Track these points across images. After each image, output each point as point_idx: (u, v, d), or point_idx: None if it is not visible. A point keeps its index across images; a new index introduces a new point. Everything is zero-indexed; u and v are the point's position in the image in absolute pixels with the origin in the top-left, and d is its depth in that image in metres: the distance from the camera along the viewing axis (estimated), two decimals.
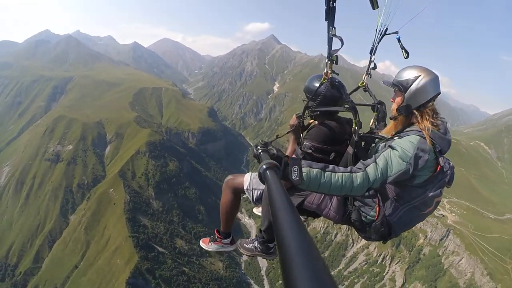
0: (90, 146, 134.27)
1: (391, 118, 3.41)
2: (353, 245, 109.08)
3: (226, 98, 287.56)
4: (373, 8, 3.37)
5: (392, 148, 2.97)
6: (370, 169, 2.87)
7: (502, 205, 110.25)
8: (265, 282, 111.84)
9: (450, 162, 3.22)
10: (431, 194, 3.16)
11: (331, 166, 2.82)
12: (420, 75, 3.10)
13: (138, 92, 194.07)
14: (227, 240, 4.75)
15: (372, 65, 3.90)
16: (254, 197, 4.16)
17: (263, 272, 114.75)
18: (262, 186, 4.05)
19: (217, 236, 4.73)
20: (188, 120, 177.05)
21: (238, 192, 4.31)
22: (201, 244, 4.98)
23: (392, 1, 3.31)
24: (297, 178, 2.54)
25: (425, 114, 3.15)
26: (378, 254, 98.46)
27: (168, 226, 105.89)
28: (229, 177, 4.43)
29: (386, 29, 3.54)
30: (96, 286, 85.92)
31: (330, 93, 3.82)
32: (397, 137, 3.15)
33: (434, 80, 3.14)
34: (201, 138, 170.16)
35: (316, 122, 4.04)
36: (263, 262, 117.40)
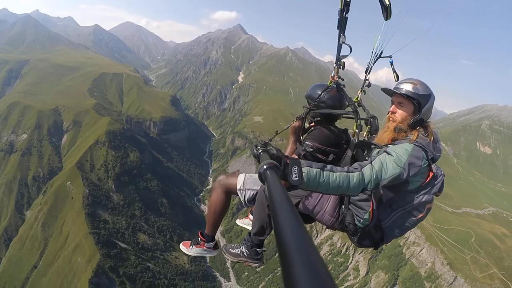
0: (46, 135, 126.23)
1: (396, 130, 3.35)
2: (317, 236, 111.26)
3: (190, 86, 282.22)
4: (385, 19, 3.51)
5: (388, 153, 3.05)
6: (366, 170, 2.93)
7: (459, 199, 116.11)
8: (231, 275, 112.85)
9: (442, 170, 3.32)
10: (423, 199, 3.25)
11: (329, 166, 2.85)
12: (431, 92, 3.29)
13: (97, 77, 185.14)
14: (211, 244, 4.60)
15: (366, 83, 4.09)
16: (246, 197, 4.16)
17: (228, 265, 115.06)
18: (256, 187, 4.12)
19: (201, 239, 4.57)
20: (150, 108, 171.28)
21: (229, 192, 4.29)
22: (182, 247, 4.80)
23: (389, 28, 3.56)
24: (297, 178, 2.57)
25: (430, 126, 3.33)
26: (342, 245, 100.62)
27: (130, 221, 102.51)
28: (222, 176, 4.42)
29: (381, 52, 3.74)
30: (57, 287, 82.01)
31: (334, 96, 4.02)
32: (391, 144, 3.24)
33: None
34: (163, 128, 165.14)
35: (315, 124, 4.18)
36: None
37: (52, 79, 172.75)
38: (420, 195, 3.26)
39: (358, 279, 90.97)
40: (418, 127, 3.30)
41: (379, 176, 2.94)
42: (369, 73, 4.00)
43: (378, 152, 3.24)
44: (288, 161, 2.58)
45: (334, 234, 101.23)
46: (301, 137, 4.20)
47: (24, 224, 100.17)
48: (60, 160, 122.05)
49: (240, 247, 4.39)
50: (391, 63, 3.80)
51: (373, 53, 3.74)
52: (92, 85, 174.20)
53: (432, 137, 3.26)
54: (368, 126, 3.84)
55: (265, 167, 2.16)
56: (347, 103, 4.05)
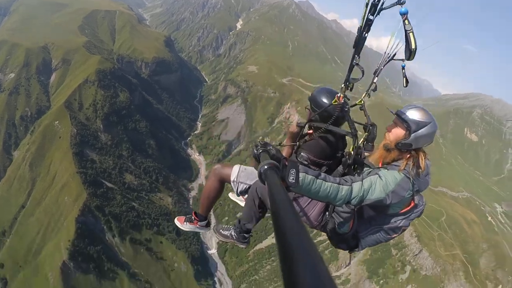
0: (34, 74, 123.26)
1: (385, 148, 3.60)
2: None
3: (185, 28, 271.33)
4: (407, 59, 3.40)
5: (379, 176, 3.26)
6: (356, 186, 3.14)
7: (437, 178, 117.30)
8: (212, 218, 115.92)
9: (424, 200, 3.65)
10: (400, 224, 3.63)
11: (323, 175, 3.04)
12: (430, 122, 3.35)
13: (89, 15, 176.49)
14: (203, 223, 5.02)
15: (373, 87, 3.93)
16: (239, 189, 4.46)
17: (211, 211, 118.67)
18: (249, 181, 4.41)
19: (194, 218, 4.97)
20: (142, 48, 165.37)
21: (223, 181, 4.58)
22: (176, 222, 5.20)
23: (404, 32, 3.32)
24: (294, 181, 2.64)
25: (421, 154, 3.44)
26: None
27: (117, 161, 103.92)
28: (217, 166, 4.71)
29: (395, 54, 3.52)
30: (44, 226, 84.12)
31: (338, 115, 3.92)
32: (384, 169, 3.40)
33: (436, 129, 3.45)
34: (155, 69, 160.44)
35: (313, 131, 4.23)
36: None
37: (42, 16, 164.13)
38: (398, 220, 3.60)
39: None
40: (409, 155, 3.43)
41: (365, 195, 3.16)
42: (377, 75, 3.86)
43: (370, 172, 3.45)
44: (286, 163, 2.66)
45: None
46: (298, 142, 4.27)
47: (12, 165, 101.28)
48: (48, 99, 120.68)
49: (230, 230, 4.81)
50: (403, 68, 3.69)
51: (386, 53, 3.61)
52: (83, 22, 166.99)
53: (422, 170, 3.40)
54: (366, 133, 3.90)
55: (265, 167, 2.24)
56: (349, 125, 4.06)
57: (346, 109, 4.00)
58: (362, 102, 4.12)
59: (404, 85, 3.75)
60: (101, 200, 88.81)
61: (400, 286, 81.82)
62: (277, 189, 1.56)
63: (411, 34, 3.21)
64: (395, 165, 3.42)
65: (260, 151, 2.69)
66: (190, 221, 5.01)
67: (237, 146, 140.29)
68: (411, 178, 3.31)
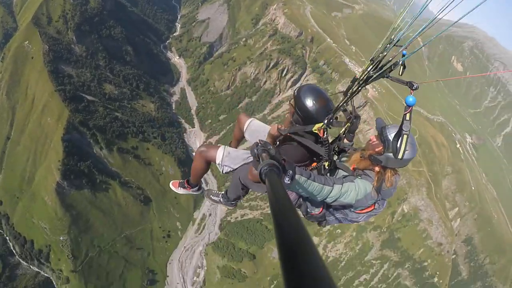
0: None
1: (360, 155, 3.74)
2: (279, 94, 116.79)
3: None
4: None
5: (355, 184, 3.55)
6: (336, 188, 3.44)
7: (417, 97, 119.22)
8: (195, 121, 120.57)
9: (384, 205, 3.91)
10: (361, 219, 4.08)
11: (313, 176, 3.29)
12: (407, 151, 3.32)
13: None
14: (195, 189, 5.63)
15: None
16: (224, 171, 4.71)
17: (193, 112, 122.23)
18: (234, 165, 4.64)
19: (186, 185, 5.59)
20: None
21: (209, 162, 4.89)
22: (171, 186, 5.71)
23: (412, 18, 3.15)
24: (289, 182, 2.81)
25: (389, 172, 3.60)
26: None
27: (95, 72, 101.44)
28: (202, 148, 4.86)
29: (398, 40, 3.26)
30: (32, 152, 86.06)
31: (321, 110, 3.92)
32: (359, 177, 3.67)
33: (412, 158, 3.48)
34: None
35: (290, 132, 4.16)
36: (192, 101, 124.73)
37: None
38: (360, 216, 3.98)
39: None
40: (378, 170, 3.59)
41: (340, 197, 3.48)
42: (376, 63, 3.38)
43: (346, 177, 3.72)
44: (284, 163, 2.73)
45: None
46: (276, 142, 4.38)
47: None
48: (14, 20, 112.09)
49: (219, 196, 5.37)
50: (404, 55, 3.26)
51: (388, 37, 3.28)
52: None
53: (389, 186, 3.64)
54: (348, 124, 3.94)
55: (266, 167, 2.31)
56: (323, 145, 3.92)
57: (330, 127, 3.89)
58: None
59: (400, 74, 3.40)
60: (84, 114, 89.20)
61: None
62: (277, 189, 1.64)
63: (405, 137, 3.28)
64: (367, 176, 3.66)
65: (260, 150, 2.75)
66: (183, 187, 5.61)
67: (219, 48, 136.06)
68: (378, 193, 3.62)
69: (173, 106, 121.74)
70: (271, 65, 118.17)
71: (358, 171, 3.76)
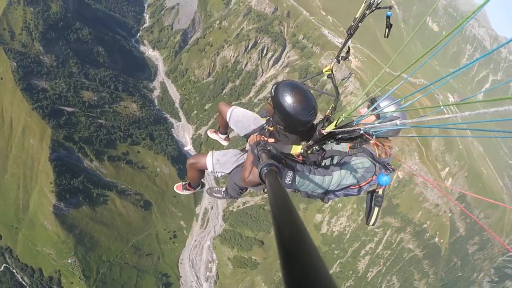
0: None
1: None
2: (262, 75, 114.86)
3: None
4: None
5: (352, 165, 3.50)
6: (336, 175, 3.38)
7: (399, 61, 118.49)
8: (181, 114, 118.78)
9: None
10: (356, 193, 3.88)
11: (313, 170, 3.27)
12: (399, 118, 3.05)
13: None
14: (198, 188, 5.80)
15: (344, 51, 3.65)
16: (219, 176, 4.83)
17: (177, 105, 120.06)
18: (226, 170, 4.63)
19: (189, 188, 5.79)
20: None
21: (202, 169, 4.94)
22: (176, 190, 5.91)
23: None
24: (290, 182, 2.79)
25: (388, 145, 3.55)
26: None
27: (69, 80, 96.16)
28: (191, 160, 4.87)
29: (380, 2, 3.18)
30: (21, 178, 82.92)
31: (298, 105, 3.35)
32: (354, 157, 3.54)
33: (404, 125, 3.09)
34: None
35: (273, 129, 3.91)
36: (175, 94, 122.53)
37: None
38: (355, 190, 3.82)
39: None
40: (374, 142, 3.46)
41: (342, 181, 3.42)
42: (354, 31, 3.50)
43: (342, 159, 3.63)
44: (284, 164, 2.78)
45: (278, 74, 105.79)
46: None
47: None
48: None
49: (221, 193, 5.51)
50: (388, 17, 3.28)
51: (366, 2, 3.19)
52: None
53: (386, 156, 3.57)
54: (333, 105, 3.96)
55: (266, 167, 2.25)
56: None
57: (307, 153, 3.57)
58: (331, 68, 4.09)
59: (385, 36, 3.39)
60: (67, 128, 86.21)
61: None
62: (277, 190, 1.62)
63: (376, 209, 3.52)
64: (364, 150, 3.53)
65: (260, 150, 2.75)
66: (186, 189, 5.80)
67: (193, 35, 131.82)
68: (376, 164, 3.54)
69: (156, 102, 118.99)
70: (250, 46, 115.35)
71: (353, 149, 3.62)
